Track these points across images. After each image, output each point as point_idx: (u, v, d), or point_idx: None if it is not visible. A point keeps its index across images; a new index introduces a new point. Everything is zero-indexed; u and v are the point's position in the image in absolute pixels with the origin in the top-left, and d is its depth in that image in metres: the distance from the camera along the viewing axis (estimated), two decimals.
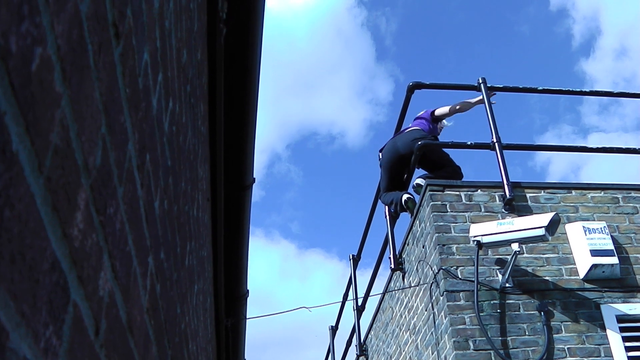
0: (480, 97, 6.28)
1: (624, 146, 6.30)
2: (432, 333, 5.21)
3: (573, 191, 5.66)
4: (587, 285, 5.14)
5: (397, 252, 6.39)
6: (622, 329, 4.97)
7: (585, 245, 5.19)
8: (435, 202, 5.38)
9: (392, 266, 6.37)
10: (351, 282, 8.48)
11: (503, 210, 5.42)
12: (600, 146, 6.32)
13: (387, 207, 6.76)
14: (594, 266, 5.09)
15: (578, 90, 6.67)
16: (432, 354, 5.18)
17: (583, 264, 5.15)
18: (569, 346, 4.84)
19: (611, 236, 5.30)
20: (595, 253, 5.14)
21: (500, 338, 4.80)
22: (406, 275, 6.15)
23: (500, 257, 5.17)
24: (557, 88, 6.66)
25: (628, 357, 4.84)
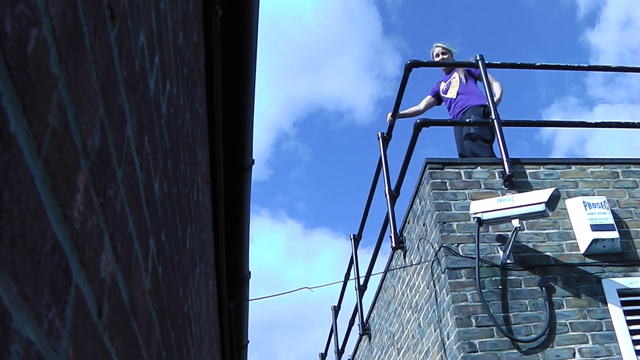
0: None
1: (623, 121, 6.30)
2: (434, 311, 5.23)
3: (572, 166, 5.66)
4: (588, 260, 5.15)
5: (397, 231, 6.40)
6: (623, 303, 4.98)
7: (585, 220, 5.20)
8: (435, 180, 5.38)
9: (393, 245, 6.37)
10: (353, 261, 8.50)
11: (503, 186, 5.43)
12: (599, 121, 6.32)
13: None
14: (595, 241, 5.10)
15: (576, 65, 6.64)
16: (435, 331, 5.20)
17: (584, 238, 5.16)
18: (570, 321, 4.86)
19: (611, 211, 5.30)
20: (595, 228, 5.15)
21: (502, 314, 4.81)
22: (407, 253, 6.16)
23: (501, 233, 5.18)
24: (556, 64, 6.64)
25: (630, 330, 4.86)
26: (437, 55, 7.49)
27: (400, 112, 7.20)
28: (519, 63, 6.51)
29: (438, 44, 7.55)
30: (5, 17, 0.56)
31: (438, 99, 7.52)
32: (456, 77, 7.22)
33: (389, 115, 6.97)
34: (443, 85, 7.39)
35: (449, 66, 7.25)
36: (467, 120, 6.62)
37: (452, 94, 7.22)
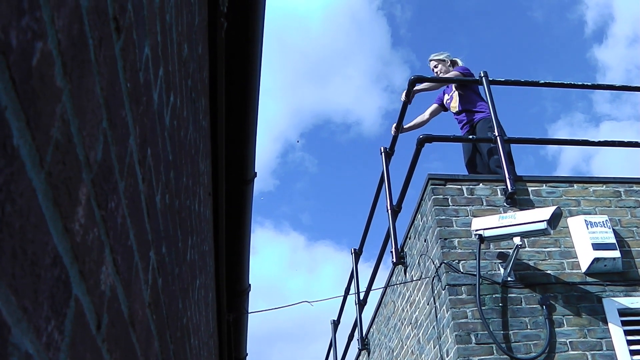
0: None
1: (627, 139, 6.30)
2: (434, 327, 5.22)
3: (575, 185, 5.66)
4: (589, 279, 5.14)
5: (398, 246, 6.39)
6: (624, 323, 4.97)
7: (587, 238, 5.19)
8: (437, 196, 5.37)
9: (394, 260, 6.36)
10: (353, 275, 8.48)
11: (505, 204, 5.42)
12: (602, 140, 6.32)
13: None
14: (596, 260, 5.09)
15: (580, 83, 6.64)
16: (434, 347, 5.18)
17: (585, 257, 5.15)
18: (570, 340, 4.84)
19: (613, 230, 5.29)
20: (597, 247, 5.13)
21: (502, 332, 4.80)
22: (408, 269, 6.15)
23: (502, 250, 5.17)
24: (559, 82, 6.64)
25: (630, 350, 4.84)
26: (433, 69, 7.53)
27: (405, 126, 7.21)
28: (522, 80, 6.51)
29: (431, 58, 7.59)
30: (11, 30, 0.56)
31: (444, 107, 7.52)
32: (455, 91, 7.24)
33: (394, 126, 6.94)
34: (446, 97, 7.40)
35: (452, 82, 7.24)
36: (479, 136, 6.64)
37: (453, 108, 7.23)
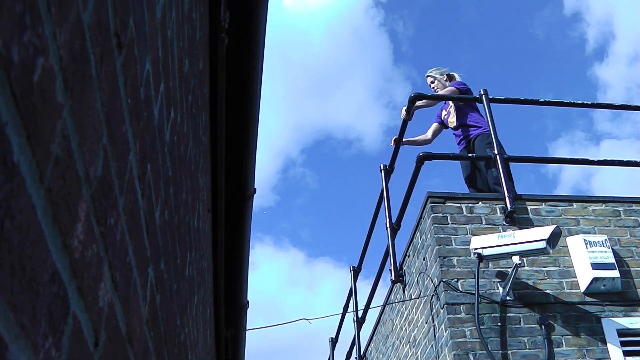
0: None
1: (627, 158, 6.30)
2: (432, 346, 5.20)
3: (574, 204, 5.65)
4: (588, 299, 5.13)
5: (397, 264, 6.38)
6: (623, 343, 4.95)
7: (586, 258, 5.18)
8: (436, 214, 5.37)
9: (393, 278, 6.35)
10: (351, 293, 8.46)
11: (504, 222, 5.42)
12: (602, 159, 6.33)
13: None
14: (595, 279, 5.08)
15: (580, 102, 6.66)
16: None
17: (584, 277, 5.14)
18: None
19: (612, 249, 5.28)
20: (596, 266, 5.13)
21: (500, 351, 4.78)
22: (407, 287, 6.14)
23: (501, 269, 5.16)
24: (559, 100, 6.66)
25: None
26: (430, 85, 7.55)
27: (407, 139, 7.21)
28: (522, 99, 6.52)
29: (427, 73, 7.61)
30: (13, 46, 0.56)
31: (444, 124, 7.51)
32: (452, 105, 7.24)
33: (394, 139, 6.93)
34: (444, 113, 7.41)
35: (452, 100, 7.24)
36: (477, 153, 6.63)
37: (451, 123, 7.23)
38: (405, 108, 6.64)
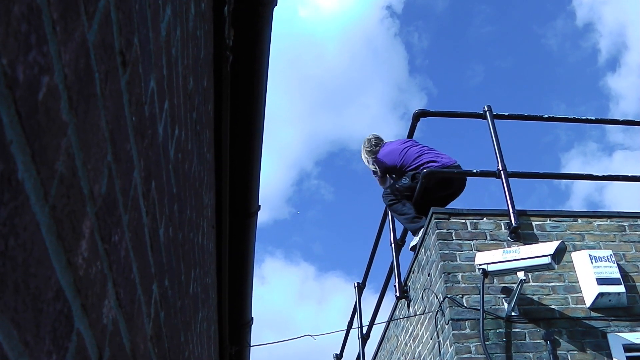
0: None
1: (630, 174, 6.30)
2: None
3: (579, 219, 5.65)
4: (593, 314, 5.11)
5: (402, 280, 6.37)
6: (629, 359, 4.93)
7: (591, 273, 5.17)
8: (441, 230, 5.37)
9: (397, 294, 6.34)
10: (356, 309, 8.44)
11: (509, 238, 5.41)
12: (606, 174, 6.33)
13: (411, 231, 6.53)
14: (601, 295, 5.06)
15: (584, 118, 6.67)
16: None
17: (589, 292, 5.13)
18: None
19: (617, 264, 5.27)
20: (601, 281, 5.11)
21: None
22: (411, 303, 6.12)
23: (506, 285, 5.15)
24: (563, 116, 6.68)
25: None
26: (365, 161, 7.16)
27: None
28: (526, 115, 6.53)
29: (362, 146, 7.20)
30: (18, 65, 0.56)
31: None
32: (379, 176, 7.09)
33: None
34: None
35: (456, 117, 7.22)
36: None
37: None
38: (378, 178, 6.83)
